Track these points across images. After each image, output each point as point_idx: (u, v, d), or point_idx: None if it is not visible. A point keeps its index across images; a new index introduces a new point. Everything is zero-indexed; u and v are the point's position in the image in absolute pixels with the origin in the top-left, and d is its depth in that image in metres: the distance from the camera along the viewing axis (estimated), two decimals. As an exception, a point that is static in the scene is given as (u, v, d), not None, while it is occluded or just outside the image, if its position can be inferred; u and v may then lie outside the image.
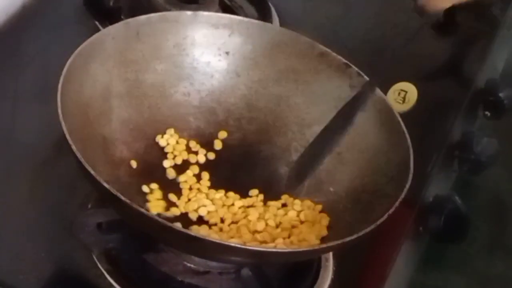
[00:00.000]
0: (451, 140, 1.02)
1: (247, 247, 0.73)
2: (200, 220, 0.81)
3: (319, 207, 0.81)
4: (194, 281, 0.77)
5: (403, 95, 0.97)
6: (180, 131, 0.86)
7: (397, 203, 0.73)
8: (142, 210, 0.69)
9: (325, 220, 0.80)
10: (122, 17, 0.99)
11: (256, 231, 0.79)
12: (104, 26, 0.96)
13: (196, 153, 0.86)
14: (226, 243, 0.70)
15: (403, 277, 0.91)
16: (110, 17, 0.98)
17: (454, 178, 1.05)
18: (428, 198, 0.95)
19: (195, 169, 0.85)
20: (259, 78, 0.87)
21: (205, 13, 0.87)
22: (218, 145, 0.87)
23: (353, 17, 1.13)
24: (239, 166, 0.86)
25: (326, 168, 0.83)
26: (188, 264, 0.78)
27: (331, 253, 0.82)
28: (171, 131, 0.86)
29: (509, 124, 1.12)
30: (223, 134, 0.88)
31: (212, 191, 0.83)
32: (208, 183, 0.84)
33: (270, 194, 0.84)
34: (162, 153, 0.85)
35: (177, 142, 0.86)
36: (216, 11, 0.97)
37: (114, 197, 0.68)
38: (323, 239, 0.78)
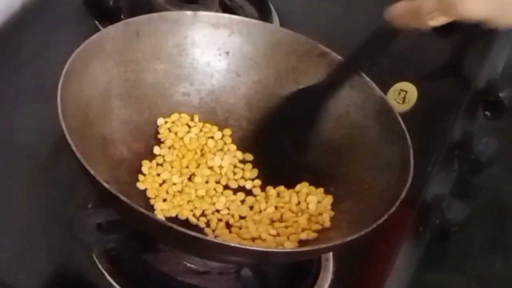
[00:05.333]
0: (451, 140, 1.02)
1: (247, 247, 0.73)
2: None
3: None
4: (194, 281, 0.77)
5: (403, 95, 0.97)
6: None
7: (397, 203, 0.73)
8: (142, 210, 0.69)
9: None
10: (122, 17, 0.99)
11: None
12: (104, 26, 0.96)
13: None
14: (226, 243, 0.70)
15: (403, 277, 0.91)
16: (110, 17, 0.98)
17: (454, 178, 1.05)
18: (428, 198, 0.95)
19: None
20: (259, 78, 0.87)
21: (205, 13, 0.87)
22: (218, 145, 0.87)
23: (353, 17, 1.13)
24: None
25: (326, 168, 0.84)
26: (188, 264, 0.78)
27: (331, 253, 0.82)
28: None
29: (509, 124, 1.12)
30: (223, 134, 0.88)
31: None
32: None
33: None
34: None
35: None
36: (216, 11, 0.97)
37: (114, 197, 0.68)
38: (323, 237, 0.78)
